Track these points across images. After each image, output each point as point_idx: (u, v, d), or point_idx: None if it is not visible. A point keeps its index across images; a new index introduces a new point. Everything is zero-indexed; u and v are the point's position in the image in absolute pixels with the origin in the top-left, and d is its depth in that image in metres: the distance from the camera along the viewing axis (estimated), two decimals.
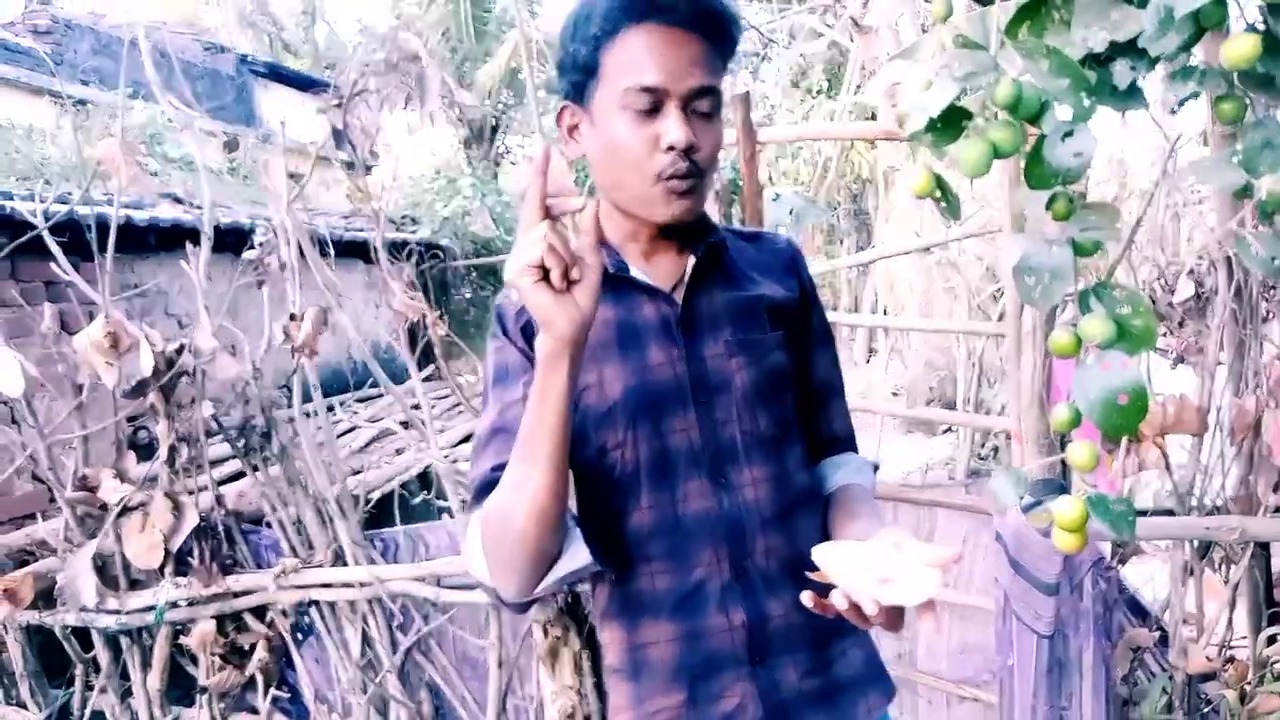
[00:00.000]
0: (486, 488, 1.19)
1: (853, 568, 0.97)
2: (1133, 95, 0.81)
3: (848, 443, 1.45)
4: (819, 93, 8.70)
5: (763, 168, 9.13)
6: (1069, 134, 0.79)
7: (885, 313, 7.53)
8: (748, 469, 1.27)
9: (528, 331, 1.25)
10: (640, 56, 1.15)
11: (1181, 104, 0.81)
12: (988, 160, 0.83)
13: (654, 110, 1.16)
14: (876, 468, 1.46)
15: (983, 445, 6.38)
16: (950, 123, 0.86)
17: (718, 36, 1.18)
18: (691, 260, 1.28)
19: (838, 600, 0.98)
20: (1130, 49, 0.80)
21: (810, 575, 1.01)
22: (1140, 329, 0.83)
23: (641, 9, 1.14)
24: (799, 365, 1.35)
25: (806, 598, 0.99)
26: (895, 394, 7.95)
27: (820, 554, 1.00)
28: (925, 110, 0.84)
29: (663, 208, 1.20)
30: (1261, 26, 0.75)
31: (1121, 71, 0.81)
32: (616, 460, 1.25)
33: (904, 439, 7.91)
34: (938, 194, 0.96)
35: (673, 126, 1.15)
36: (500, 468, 1.17)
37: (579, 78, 1.21)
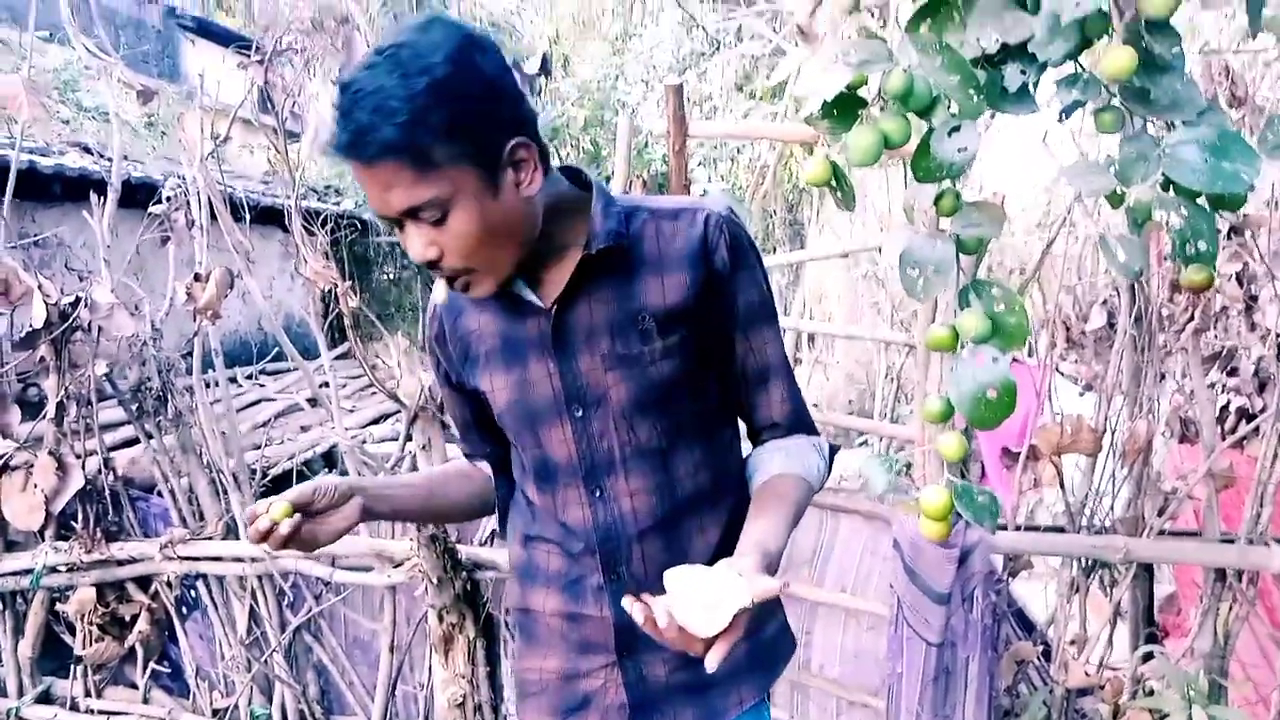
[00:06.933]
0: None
1: (685, 589, 0.99)
2: (1022, 98, 0.82)
3: (793, 424, 1.35)
4: (762, 98, 8.77)
5: (701, 170, 9.16)
6: (956, 129, 0.80)
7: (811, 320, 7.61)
8: (624, 480, 1.27)
9: (440, 343, 1.37)
10: (361, 189, 1.15)
11: (1067, 112, 0.82)
12: (878, 149, 0.84)
13: (399, 224, 1.14)
14: (834, 450, 1.39)
15: (897, 458, 6.49)
16: (845, 109, 0.85)
17: (406, 154, 1.06)
18: (571, 273, 1.22)
19: (634, 612, 0.98)
20: (1022, 53, 0.80)
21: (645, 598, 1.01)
22: (1013, 326, 0.84)
23: (333, 151, 1.10)
24: (720, 354, 1.30)
25: (626, 602, 1.00)
26: (815, 405, 8.03)
27: (669, 577, 1.02)
28: (820, 94, 0.83)
29: (454, 290, 1.22)
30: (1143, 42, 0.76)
31: (1012, 74, 0.81)
32: (521, 457, 1.35)
33: None
34: (833, 183, 0.96)
35: (409, 245, 1.15)
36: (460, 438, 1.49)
37: None
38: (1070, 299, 3.53)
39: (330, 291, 2.59)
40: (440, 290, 1.28)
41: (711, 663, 0.97)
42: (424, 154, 1.06)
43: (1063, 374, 4.01)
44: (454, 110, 1.06)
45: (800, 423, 1.35)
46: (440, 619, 2.54)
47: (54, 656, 2.84)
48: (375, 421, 4.24)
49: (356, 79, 1.06)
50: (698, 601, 0.98)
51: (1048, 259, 3.30)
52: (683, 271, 1.23)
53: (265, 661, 2.71)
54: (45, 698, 2.84)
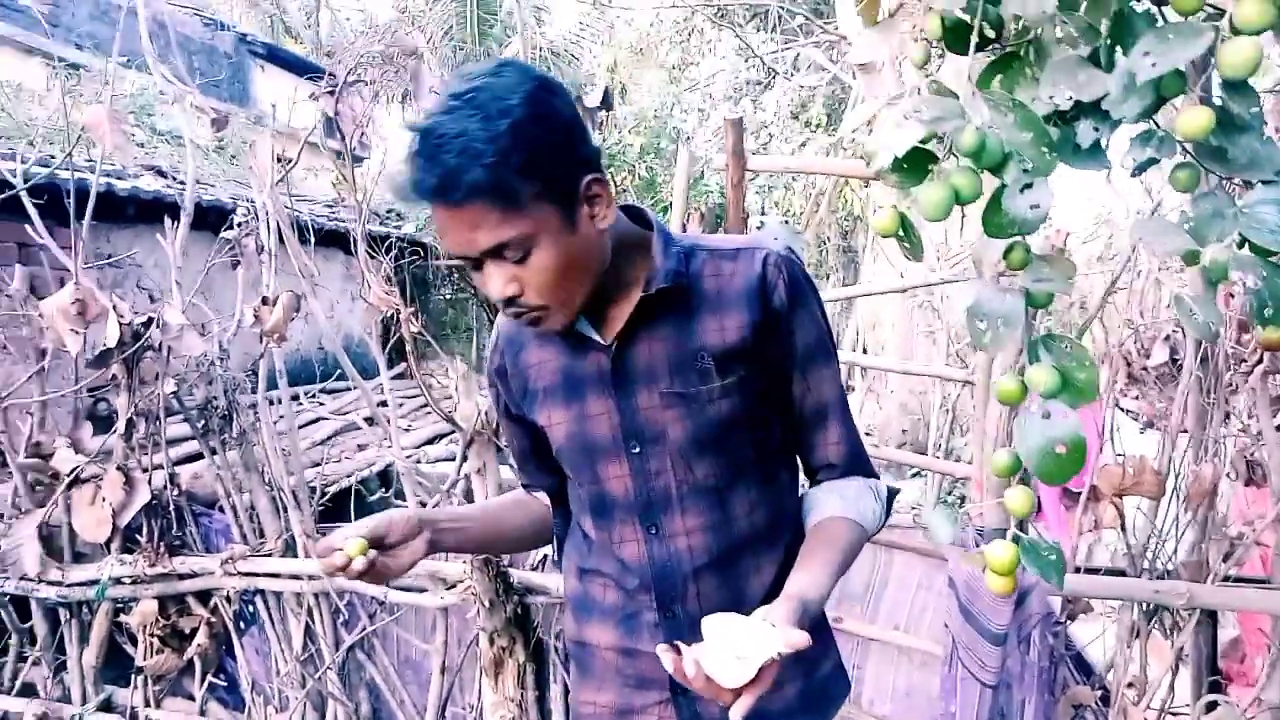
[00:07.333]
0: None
1: (720, 638, 1.01)
2: (1095, 155, 0.82)
3: (852, 465, 1.34)
4: (818, 126, 8.76)
5: (755, 197, 9.17)
6: (1028, 186, 0.80)
7: (865, 352, 7.54)
8: (681, 518, 1.28)
9: (502, 376, 1.40)
10: (438, 230, 1.16)
11: (1141, 168, 0.82)
12: (948, 204, 0.84)
13: (479, 265, 1.16)
14: (894, 494, 1.38)
15: (949, 493, 6.39)
16: (916, 164, 0.86)
17: (490, 195, 1.08)
18: (631, 310, 1.24)
19: (665, 660, 1.00)
20: (1095, 110, 0.81)
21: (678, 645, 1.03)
22: (1083, 381, 0.84)
23: (414, 190, 1.11)
24: (779, 393, 1.30)
25: (661, 649, 1.02)
26: (868, 434, 7.95)
27: (706, 624, 1.04)
28: (891, 149, 0.84)
29: (527, 325, 1.24)
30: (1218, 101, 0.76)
31: (1085, 131, 0.82)
32: (579, 491, 1.37)
33: None
34: (901, 234, 0.97)
35: (489, 284, 1.16)
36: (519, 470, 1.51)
37: None
38: (1132, 333, 3.46)
39: (392, 315, 2.65)
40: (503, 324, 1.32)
41: (736, 714, 0.98)
42: (510, 193, 1.09)
43: (1124, 410, 3.94)
44: (535, 150, 1.09)
45: (857, 464, 1.35)
46: (491, 642, 2.56)
47: (116, 666, 2.91)
48: (431, 441, 4.30)
49: (438, 123, 1.08)
50: (730, 651, 0.99)
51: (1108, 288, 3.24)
52: (741, 311, 1.24)
53: (319, 678, 2.75)
54: (107, 705, 2.91)
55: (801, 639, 1.00)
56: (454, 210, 1.09)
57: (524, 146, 1.08)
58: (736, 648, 0.99)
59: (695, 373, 1.24)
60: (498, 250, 1.12)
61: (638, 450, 1.27)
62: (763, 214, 8.85)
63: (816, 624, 1.15)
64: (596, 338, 1.26)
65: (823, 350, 1.30)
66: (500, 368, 1.39)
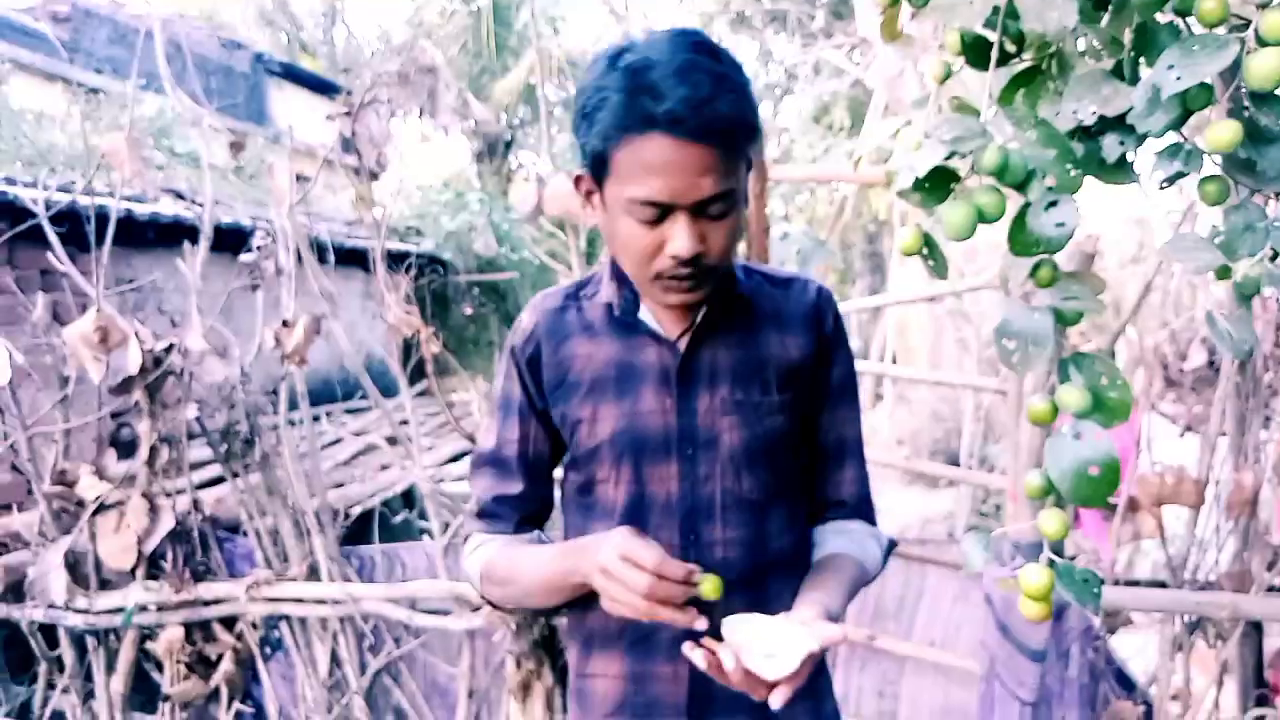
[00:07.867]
0: (484, 514, 1.37)
1: (746, 638, 1.02)
2: (1121, 169, 0.79)
3: (858, 508, 1.37)
4: (840, 130, 8.69)
5: (779, 202, 9.12)
6: (1053, 203, 0.76)
7: (894, 359, 7.46)
8: (721, 528, 1.26)
9: (533, 365, 1.32)
10: (647, 169, 1.07)
11: (1170, 181, 0.78)
12: (972, 223, 0.81)
13: (661, 218, 1.10)
14: (893, 545, 1.40)
15: (984, 502, 6.30)
16: (938, 183, 0.83)
17: (733, 141, 1.08)
18: (703, 310, 1.24)
19: (695, 657, 1.01)
20: (1120, 124, 0.77)
21: (706, 643, 1.03)
22: (1116, 401, 0.80)
23: (649, 119, 1.04)
24: (808, 423, 1.32)
25: (686, 647, 1.02)
26: (899, 442, 7.85)
27: (726, 625, 1.04)
28: (913, 170, 0.81)
29: (663, 298, 1.20)
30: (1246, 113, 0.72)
31: (1111, 145, 0.78)
32: (601, 495, 1.30)
33: (905, 490, 7.76)
34: (925, 252, 0.93)
35: (679, 237, 1.10)
36: (498, 499, 1.35)
37: (590, 160, 1.15)
38: (1168, 335, 3.39)
39: (412, 334, 2.63)
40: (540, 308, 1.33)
41: (776, 701, 0.99)
42: (748, 143, 1.11)
43: (1162, 413, 3.85)
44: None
45: (863, 507, 1.38)
46: (519, 665, 2.53)
47: (143, 693, 2.90)
48: (453, 459, 4.29)
49: (700, 59, 1.05)
50: (757, 649, 1.00)
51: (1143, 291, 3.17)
52: (800, 333, 1.29)
53: (346, 704, 2.73)
54: None
55: (836, 631, 1.02)
56: (697, 147, 1.05)
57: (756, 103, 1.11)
58: (764, 645, 1.01)
59: (758, 383, 1.26)
60: (711, 201, 1.09)
61: (690, 453, 1.25)
62: (786, 219, 8.80)
63: (819, 669, 1.18)
64: (662, 333, 1.26)
65: (852, 389, 1.36)
66: (533, 356, 1.32)
